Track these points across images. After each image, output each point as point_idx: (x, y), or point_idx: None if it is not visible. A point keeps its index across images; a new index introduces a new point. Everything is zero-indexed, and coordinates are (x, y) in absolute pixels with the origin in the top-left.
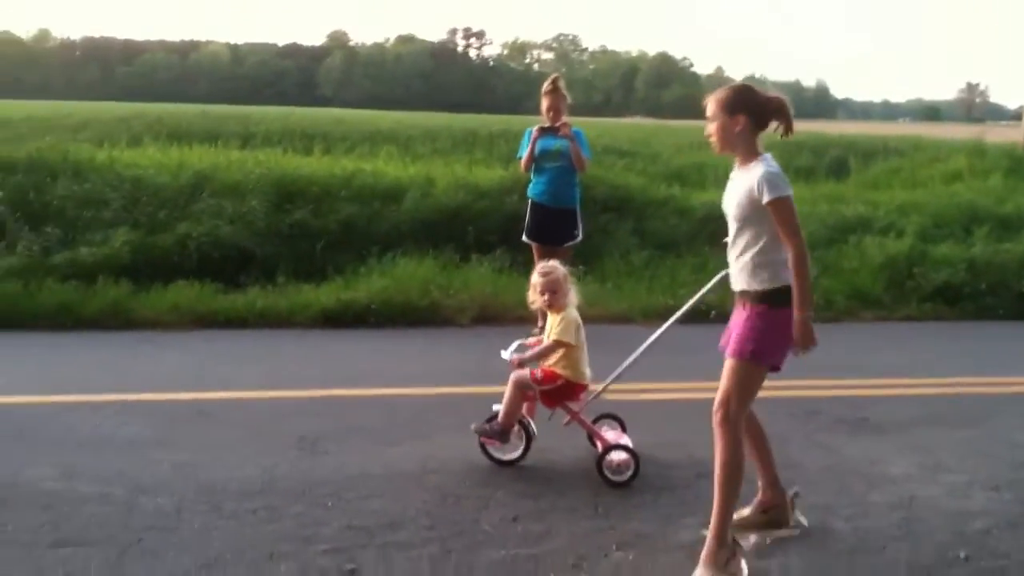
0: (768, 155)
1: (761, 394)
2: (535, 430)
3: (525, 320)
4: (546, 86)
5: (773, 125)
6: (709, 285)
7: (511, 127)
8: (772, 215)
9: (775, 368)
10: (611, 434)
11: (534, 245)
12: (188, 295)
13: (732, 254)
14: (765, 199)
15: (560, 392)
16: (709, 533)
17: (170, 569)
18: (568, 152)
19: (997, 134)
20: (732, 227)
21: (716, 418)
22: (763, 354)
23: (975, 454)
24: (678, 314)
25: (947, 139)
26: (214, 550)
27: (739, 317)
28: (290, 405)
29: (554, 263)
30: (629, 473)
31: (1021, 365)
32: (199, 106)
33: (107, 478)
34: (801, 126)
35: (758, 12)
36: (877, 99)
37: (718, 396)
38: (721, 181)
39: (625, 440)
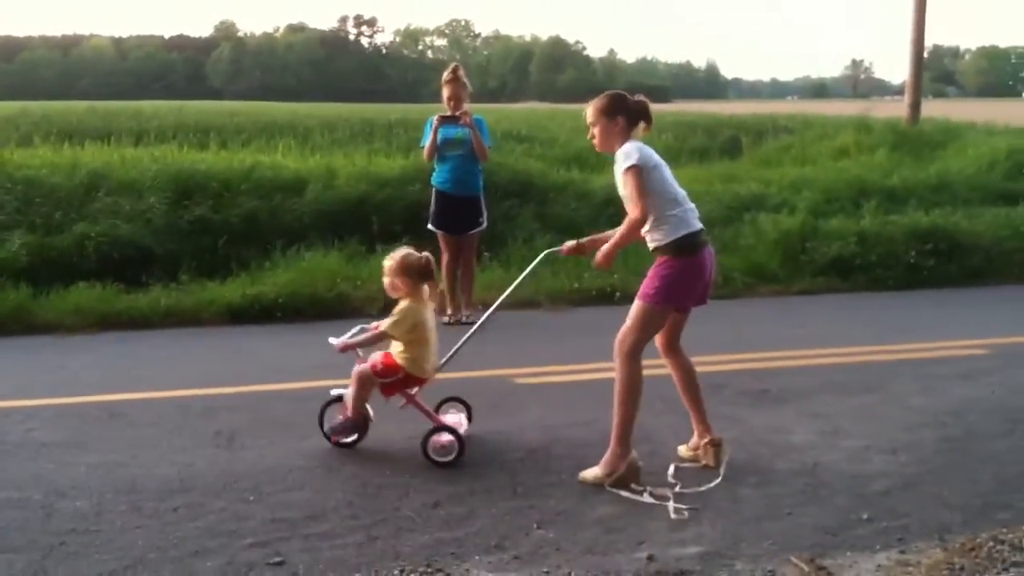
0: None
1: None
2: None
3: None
4: (446, 75)
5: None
6: (532, 265)
7: (408, 116)
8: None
9: (681, 309)
10: (454, 417)
11: (440, 233)
12: (90, 296)
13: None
14: (619, 171)
15: (400, 385)
16: (611, 442)
17: (95, 570)
18: (470, 140)
19: (882, 109)
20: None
21: (616, 349)
22: (662, 298)
23: (872, 419)
24: (504, 294)
25: (835, 116)
26: (138, 549)
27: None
28: (202, 402)
29: (405, 251)
30: (453, 454)
31: (912, 332)
32: (87, 103)
33: (22, 484)
34: (693, 107)
35: None
36: (766, 78)
37: (621, 331)
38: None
39: (464, 424)
